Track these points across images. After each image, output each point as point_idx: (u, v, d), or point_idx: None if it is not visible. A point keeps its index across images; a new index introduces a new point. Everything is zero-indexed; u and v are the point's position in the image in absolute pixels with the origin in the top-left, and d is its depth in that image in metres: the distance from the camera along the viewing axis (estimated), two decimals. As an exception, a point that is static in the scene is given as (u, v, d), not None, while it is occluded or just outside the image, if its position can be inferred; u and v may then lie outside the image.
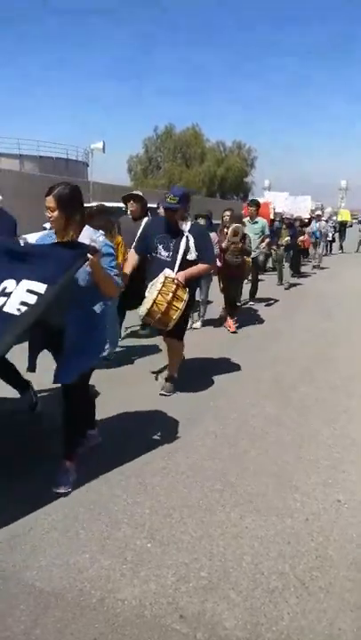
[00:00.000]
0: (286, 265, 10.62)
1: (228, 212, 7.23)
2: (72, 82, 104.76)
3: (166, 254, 3.94)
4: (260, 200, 10.67)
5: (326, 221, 16.77)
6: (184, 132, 46.14)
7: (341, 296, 9.81)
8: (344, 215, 21.71)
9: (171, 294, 3.62)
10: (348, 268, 15.16)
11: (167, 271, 3.80)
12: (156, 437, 3.40)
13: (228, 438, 3.43)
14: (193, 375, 4.71)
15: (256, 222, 8.28)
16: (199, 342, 5.82)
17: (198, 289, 6.94)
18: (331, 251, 19.71)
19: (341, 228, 20.79)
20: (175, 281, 3.70)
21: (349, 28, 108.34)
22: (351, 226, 26.36)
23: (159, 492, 2.76)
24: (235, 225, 6.42)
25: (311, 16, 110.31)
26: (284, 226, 10.88)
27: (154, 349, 5.41)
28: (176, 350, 4.31)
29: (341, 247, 20.54)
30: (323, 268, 14.53)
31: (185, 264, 3.87)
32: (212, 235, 6.24)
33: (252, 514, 2.58)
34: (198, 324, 6.80)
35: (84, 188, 15.82)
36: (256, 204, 8.69)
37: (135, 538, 2.38)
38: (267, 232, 8.39)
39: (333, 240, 19.89)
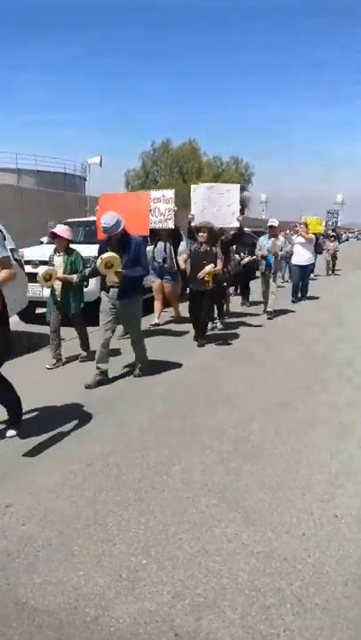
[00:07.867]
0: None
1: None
2: (72, 96, 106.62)
3: None
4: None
5: (286, 238, 10.49)
6: (181, 147, 46.59)
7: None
8: (314, 225, 14.02)
9: None
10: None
11: None
12: (150, 453, 3.39)
13: (224, 454, 3.41)
14: (189, 390, 4.70)
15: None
16: (195, 356, 5.83)
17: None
18: (333, 270, 16.72)
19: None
20: None
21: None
22: (348, 239, 25.02)
23: (154, 508, 2.74)
24: None
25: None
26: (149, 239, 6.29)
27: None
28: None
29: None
30: (280, 314, 8.60)
31: None
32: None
33: (248, 530, 2.56)
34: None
35: (82, 202, 15.94)
36: None
37: (130, 554, 2.36)
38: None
39: (336, 256, 16.55)
